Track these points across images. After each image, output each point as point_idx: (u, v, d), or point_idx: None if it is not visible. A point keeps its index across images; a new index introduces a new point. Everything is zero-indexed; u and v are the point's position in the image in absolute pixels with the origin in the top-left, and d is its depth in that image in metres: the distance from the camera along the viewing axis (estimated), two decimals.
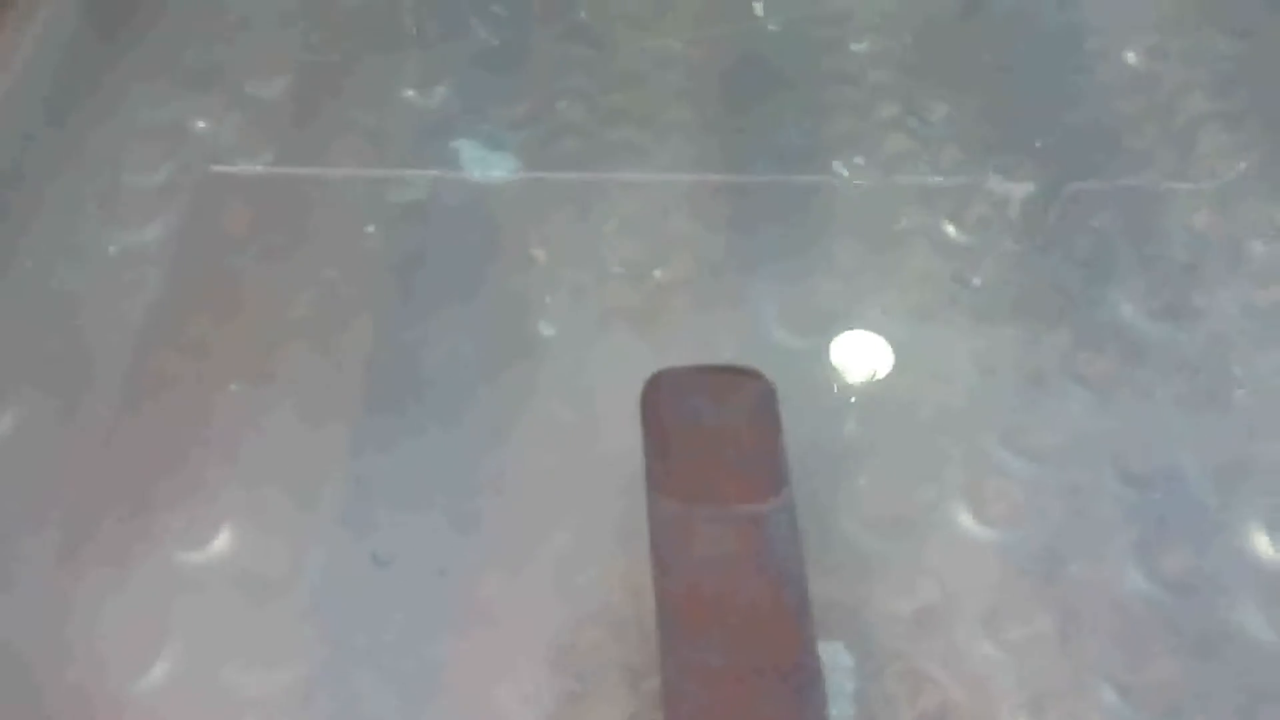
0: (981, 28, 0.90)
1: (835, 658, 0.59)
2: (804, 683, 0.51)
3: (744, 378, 0.59)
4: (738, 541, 0.54)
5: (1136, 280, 0.75)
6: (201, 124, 0.82)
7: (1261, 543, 0.64)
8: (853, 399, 0.69)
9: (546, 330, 0.72)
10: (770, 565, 0.53)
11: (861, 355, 0.71)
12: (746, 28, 0.89)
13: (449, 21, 0.90)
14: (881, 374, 0.71)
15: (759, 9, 0.90)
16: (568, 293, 0.73)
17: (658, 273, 0.75)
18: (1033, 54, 0.89)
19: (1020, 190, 0.79)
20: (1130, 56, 0.89)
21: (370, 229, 0.77)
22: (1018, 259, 0.76)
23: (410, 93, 0.85)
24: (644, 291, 0.74)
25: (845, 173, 0.80)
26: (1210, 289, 0.74)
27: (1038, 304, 0.74)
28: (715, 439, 0.57)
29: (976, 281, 0.75)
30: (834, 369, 0.71)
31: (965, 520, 0.64)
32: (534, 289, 0.74)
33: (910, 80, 0.86)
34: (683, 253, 0.76)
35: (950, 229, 0.77)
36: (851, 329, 0.72)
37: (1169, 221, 0.78)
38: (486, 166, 0.80)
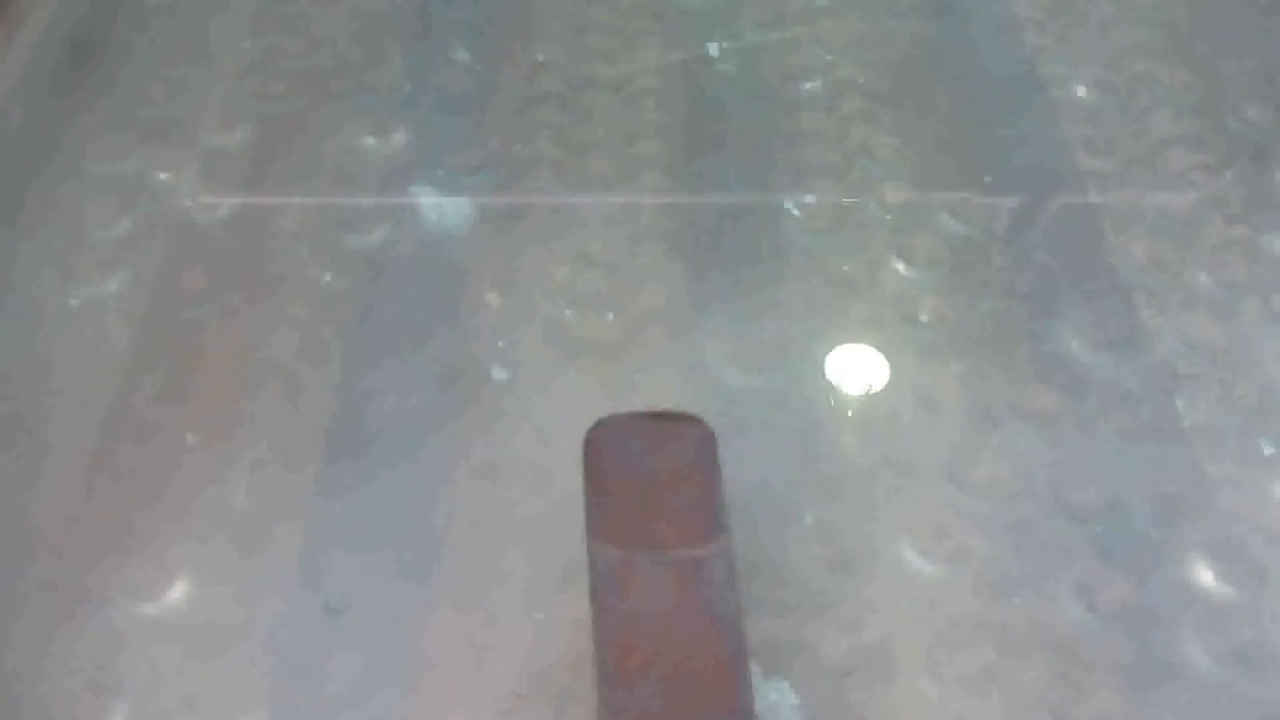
0: (932, 67, 0.92)
1: (782, 696, 0.60)
2: None
3: (684, 424, 0.60)
4: (676, 587, 0.55)
5: (1081, 314, 0.76)
6: (162, 175, 0.84)
7: (1202, 574, 0.65)
8: (800, 437, 0.70)
9: (499, 374, 0.73)
10: (708, 610, 0.54)
11: (809, 394, 0.72)
12: (701, 70, 0.91)
13: (408, 68, 0.91)
14: (829, 412, 0.72)
15: (713, 50, 0.92)
16: (521, 336, 0.75)
17: (610, 315, 0.76)
18: (983, 92, 0.90)
19: (968, 227, 0.81)
20: (1080, 90, 0.90)
21: (328, 277, 0.78)
22: (965, 295, 0.77)
23: (369, 140, 0.86)
24: (596, 334, 0.75)
25: (796, 212, 0.81)
26: (1155, 322, 0.76)
27: (984, 339, 0.75)
28: (655, 485, 0.58)
29: (924, 318, 0.76)
30: (782, 408, 0.72)
31: (910, 557, 0.65)
32: (487, 333, 0.75)
33: (860, 119, 0.87)
34: (634, 295, 0.77)
35: (899, 266, 0.79)
36: (800, 368, 0.73)
37: (1115, 255, 0.79)
38: (443, 212, 0.81)
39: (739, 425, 0.71)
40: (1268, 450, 0.69)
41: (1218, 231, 0.80)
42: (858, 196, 0.82)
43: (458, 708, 0.60)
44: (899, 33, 0.94)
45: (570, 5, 0.96)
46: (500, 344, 0.74)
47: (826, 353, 0.74)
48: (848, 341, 0.75)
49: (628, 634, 0.54)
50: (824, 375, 0.73)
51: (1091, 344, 0.74)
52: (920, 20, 0.95)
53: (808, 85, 0.90)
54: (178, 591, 0.64)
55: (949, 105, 0.89)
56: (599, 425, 0.60)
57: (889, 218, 0.81)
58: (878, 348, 0.74)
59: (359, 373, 0.73)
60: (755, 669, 0.61)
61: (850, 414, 0.72)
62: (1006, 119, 0.88)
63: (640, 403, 0.67)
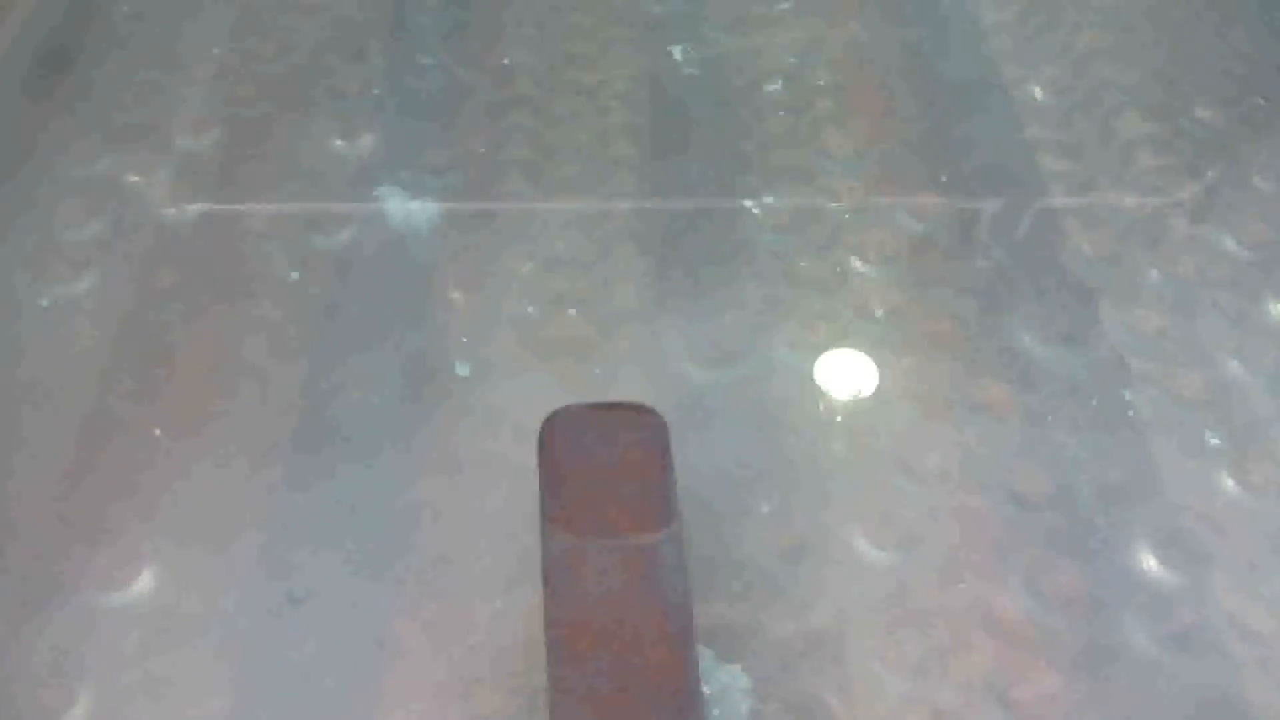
0: (893, 70, 0.93)
1: (733, 679, 0.61)
2: (685, 705, 0.53)
3: (637, 414, 0.62)
4: (626, 572, 0.56)
5: (1034, 309, 0.78)
6: (134, 178, 0.85)
7: (1147, 561, 0.66)
8: (758, 429, 0.72)
9: (462, 370, 0.74)
10: (657, 594, 0.56)
11: (767, 387, 0.74)
12: (665, 74, 0.92)
13: (378, 72, 0.93)
14: (786, 405, 0.73)
15: (677, 54, 0.94)
16: (484, 333, 0.76)
17: (572, 312, 0.77)
18: (941, 93, 0.92)
19: (925, 225, 0.82)
20: (1037, 92, 0.92)
21: (295, 275, 0.79)
22: (920, 291, 0.79)
23: (338, 142, 0.88)
24: (558, 330, 0.76)
25: (757, 211, 0.83)
26: (1105, 317, 0.77)
27: (937, 334, 0.76)
28: (608, 474, 0.59)
29: (879, 313, 0.77)
30: (740, 401, 0.73)
31: (862, 545, 0.67)
32: (451, 330, 0.76)
33: (820, 120, 0.89)
34: (596, 293, 0.78)
35: (857, 263, 0.80)
36: (758, 362, 0.75)
37: (1068, 253, 0.81)
38: (409, 212, 0.83)
39: (698, 418, 0.73)
40: (1213, 441, 0.71)
41: (1169, 229, 0.82)
42: (817, 196, 0.84)
43: (416, 693, 0.61)
44: (861, 36, 0.96)
45: (538, 11, 0.97)
46: (464, 340, 0.76)
47: (784, 348, 0.76)
48: (805, 337, 0.76)
49: (578, 616, 0.55)
50: (781, 369, 0.75)
51: (1043, 338, 0.76)
52: (883, 24, 0.97)
53: (770, 88, 0.91)
54: (144, 581, 0.65)
55: (909, 107, 0.91)
56: (554, 416, 0.61)
57: (848, 217, 0.83)
58: (834, 343, 0.76)
59: (325, 369, 0.75)
60: (709, 653, 0.62)
61: (806, 407, 0.73)
62: (965, 121, 0.90)
63: (601, 396, 0.69)
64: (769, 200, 0.84)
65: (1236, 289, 0.79)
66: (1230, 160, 0.86)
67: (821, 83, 0.92)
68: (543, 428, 0.61)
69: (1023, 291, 0.79)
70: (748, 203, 0.84)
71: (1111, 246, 0.81)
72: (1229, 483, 0.69)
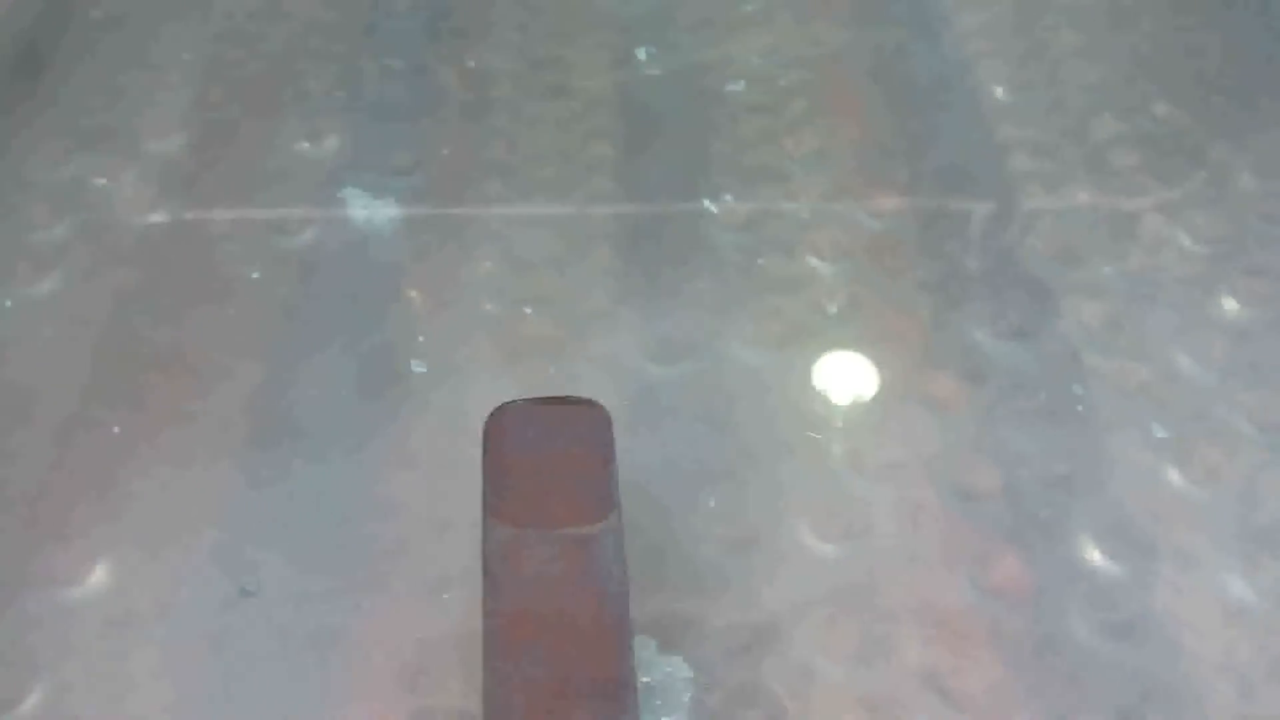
0: (857, 70, 0.94)
1: (675, 669, 0.62)
2: (618, 694, 0.53)
3: (582, 408, 0.62)
4: (564, 562, 0.57)
5: (987, 305, 0.78)
6: (100, 181, 0.86)
7: (1091, 553, 0.67)
8: (708, 425, 0.73)
9: (418, 368, 0.75)
10: (594, 584, 0.56)
11: (719, 383, 0.75)
12: (628, 75, 0.93)
13: (346, 75, 0.94)
14: (736, 400, 0.74)
15: (641, 54, 0.94)
16: (441, 331, 0.77)
17: (528, 309, 0.78)
18: (906, 94, 0.93)
19: (883, 223, 0.83)
20: (999, 91, 0.93)
21: (255, 275, 0.80)
22: (875, 288, 0.79)
23: (304, 144, 0.89)
24: (514, 328, 0.77)
25: (715, 210, 0.84)
26: (1058, 312, 0.78)
27: (890, 329, 0.77)
28: (550, 467, 0.60)
29: (833, 310, 0.78)
30: (692, 397, 0.74)
31: (808, 538, 0.67)
32: (408, 328, 0.77)
33: (782, 119, 0.90)
34: (552, 289, 0.79)
35: (813, 261, 0.81)
36: (710, 359, 0.76)
37: (1023, 249, 0.82)
38: (371, 212, 0.84)
39: (652, 413, 0.73)
40: (1160, 433, 0.71)
41: (1126, 227, 0.83)
42: (777, 196, 0.85)
43: (365, 685, 0.62)
44: (828, 37, 0.97)
45: (507, 13, 0.98)
46: (421, 339, 0.76)
47: (737, 344, 0.76)
48: (759, 333, 0.77)
49: (515, 605, 0.56)
50: (734, 365, 0.75)
51: (995, 333, 0.77)
52: (852, 26, 0.98)
53: (733, 88, 0.92)
54: (97, 576, 0.66)
55: (873, 108, 0.91)
56: (498, 411, 0.62)
57: (807, 216, 0.84)
58: (788, 339, 0.77)
59: (283, 368, 0.76)
60: (652, 643, 0.63)
61: (758, 402, 0.74)
62: (929, 121, 0.90)
63: (555, 393, 0.69)
64: (729, 200, 0.84)
65: (1191, 284, 0.80)
66: (1188, 158, 0.86)
67: (784, 83, 0.93)
68: (487, 422, 0.62)
69: (978, 288, 0.79)
70: (707, 203, 0.84)
71: (1068, 243, 0.82)
72: (1174, 475, 0.70)
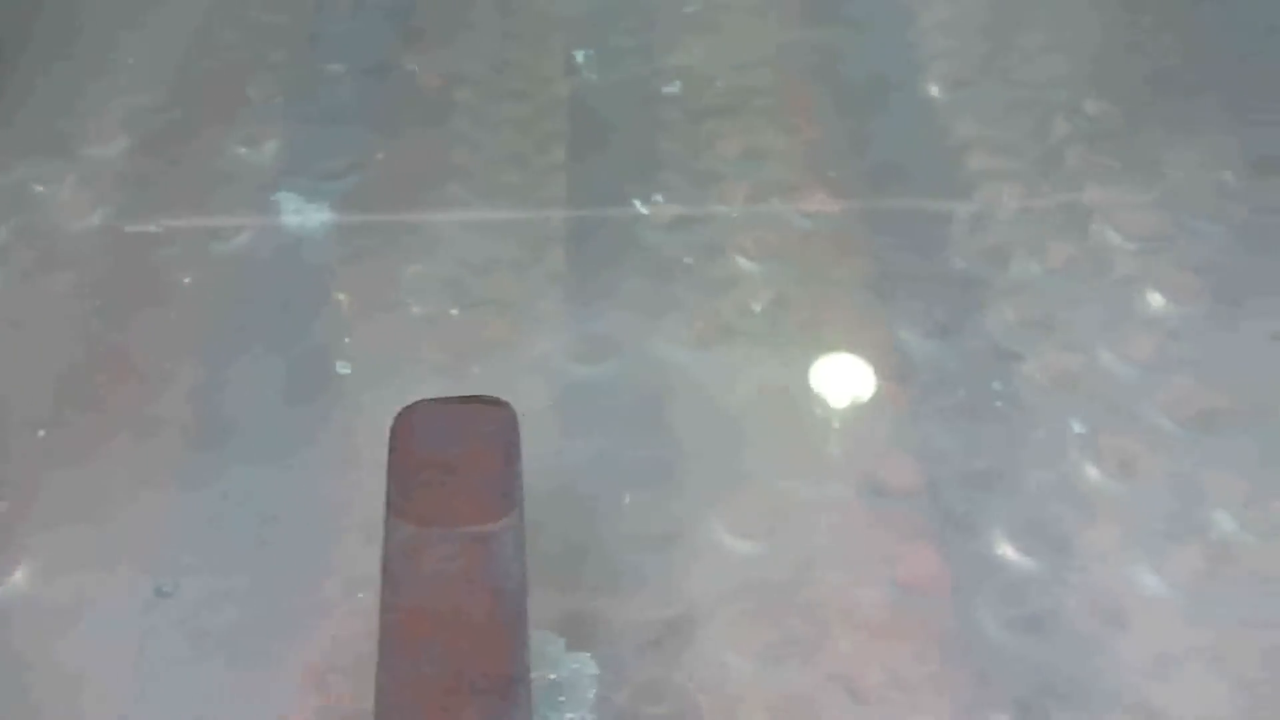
0: (793, 69, 0.95)
1: (582, 666, 0.62)
2: (510, 690, 0.54)
3: (488, 407, 0.63)
4: (463, 560, 0.57)
5: (913, 303, 0.79)
6: (40, 187, 0.87)
7: (1005, 548, 0.67)
8: (630, 424, 0.73)
9: (343, 369, 0.76)
10: (491, 582, 0.57)
11: (642, 383, 0.75)
12: (566, 76, 0.94)
13: (286, 80, 0.94)
14: (659, 399, 0.74)
15: (580, 57, 0.95)
16: (368, 333, 0.77)
17: (455, 311, 0.79)
18: (839, 93, 0.93)
19: (813, 223, 0.83)
20: (934, 90, 0.93)
21: (188, 280, 0.81)
22: (802, 286, 0.80)
23: (242, 150, 0.90)
24: (440, 329, 0.78)
25: (646, 211, 0.84)
26: (981, 309, 0.78)
27: (815, 328, 0.77)
28: (455, 466, 0.61)
29: (757, 308, 0.78)
30: (616, 396, 0.74)
31: (724, 536, 0.68)
32: (337, 331, 0.78)
33: (717, 121, 0.90)
34: (479, 289, 0.80)
35: (741, 260, 0.81)
36: (635, 359, 0.76)
37: (951, 247, 0.82)
38: (304, 217, 0.84)
39: (578, 414, 0.74)
40: (1078, 429, 0.72)
41: (1055, 224, 0.83)
42: (708, 197, 0.85)
43: (271, 683, 0.62)
44: (766, 37, 0.97)
45: (447, 20, 0.99)
46: (347, 341, 0.77)
47: (662, 343, 0.77)
48: (684, 333, 0.77)
49: (412, 602, 0.56)
50: (657, 365, 0.76)
51: (921, 332, 0.77)
52: (789, 27, 0.98)
53: (667, 90, 0.92)
54: (18, 576, 0.67)
55: (807, 107, 0.92)
56: (406, 410, 0.63)
57: (737, 216, 0.84)
58: (712, 338, 0.77)
59: (215, 371, 0.76)
60: (560, 641, 0.63)
61: (680, 400, 0.74)
62: (863, 121, 0.91)
63: (480, 394, 0.70)
64: (659, 201, 0.85)
65: (1117, 281, 0.80)
66: (1117, 155, 0.87)
67: (722, 85, 0.93)
68: (395, 422, 0.62)
69: (904, 286, 0.80)
70: (639, 204, 0.85)
71: (998, 241, 0.82)
72: (1091, 470, 0.70)
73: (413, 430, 0.62)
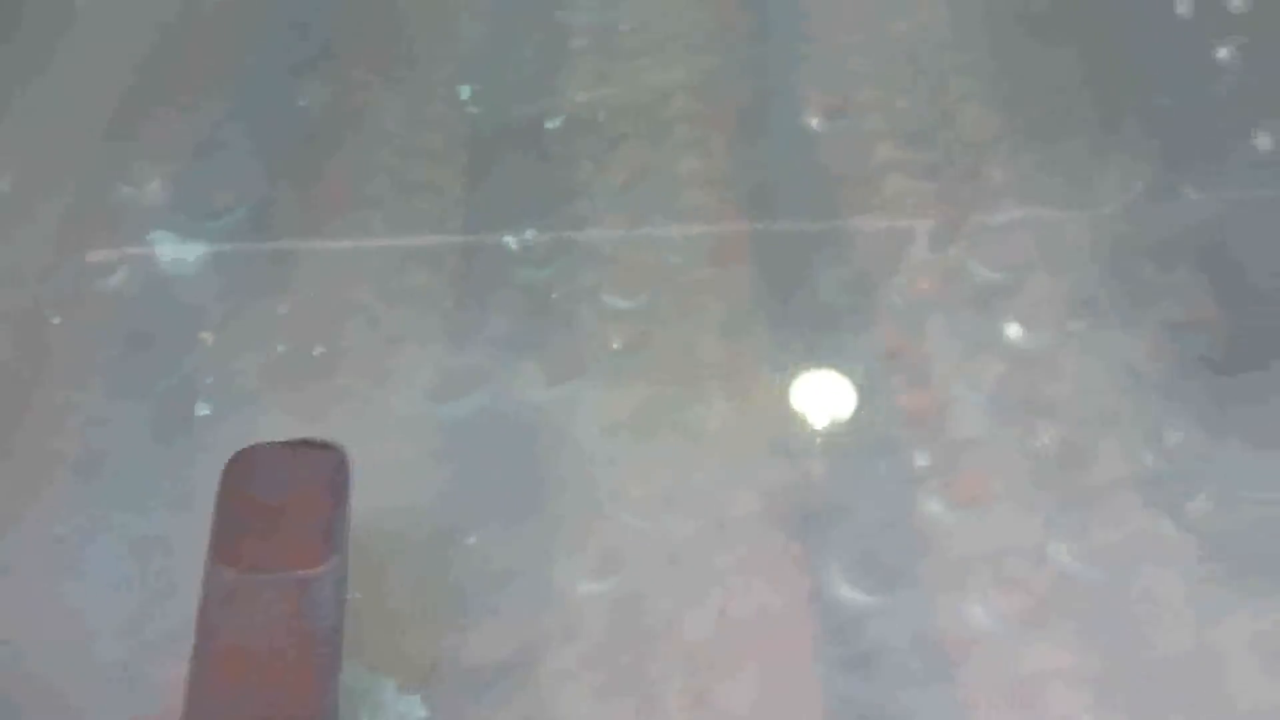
0: (674, 105, 0.95)
1: (410, 709, 0.63)
2: None
3: (319, 451, 0.64)
4: (281, 604, 0.58)
5: (774, 335, 0.79)
6: None
7: (839, 584, 0.68)
8: (483, 464, 0.74)
9: (202, 410, 0.76)
10: (306, 625, 0.58)
11: (497, 421, 0.76)
12: (450, 113, 0.95)
13: (173, 116, 0.95)
14: (513, 437, 0.75)
15: (464, 93, 0.96)
16: (230, 373, 0.78)
17: (319, 350, 0.79)
18: (722, 124, 0.94)
19: (679, 257, 0.84)
20: (813, 122, 0.94)
21: (57, 320, 0.82)
22: (662, 323, 0.80)
23: (126, 188, 0.90)
24: (303, 368, 0.78)
25: (514, 245, 0.85)
26: (842, 339, 0.79)
27: (674, 363, 0.78)
28: (281, 510, 0.61)
29: (616, 345, 0.79)
30: (470, 436, 0.75)
31: (565, 575, 0.69)
32: (199, 371, 0.78)
33: (592, 156, 0.91)
34: (346, 329, 0.81)
35: (605, 297, 0.82)
36: (492, 397, 0.77)
37: (818, 278, 0.83)
38: (178, 254, 0.85)
39: (429, 452, 0.75)
40: (920, 462, 0.72)
41: (917, 253, 0.84)
42: (579, 230, 0.86)
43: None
44: (650, 69, 0.98)
45: (336, 51, 1.00)
46: (209, 380, 0.78)
47: (522, 381, 0.78)
48: (542, 368, 0.78)
49: (225, 645, 0.57)
50: (517, 403, 0.77)
51: (775, 364, 0.78)
52: (673, 62, 0.99)
53: (550, 125, 0.93)
54: None
55: (686, 138, 0.92)
56: (237, 455, 0.63)
57: (607, 251, 0.85)
58: (570, 375, 0.78)
59: (83, 412, 0.77)
60: (390, 683, 0.64)
61: (533, 439, 0.75)
62: (736, 153, 0.91)
63: (336, 434, 0.71)
64: (529, 234, 0.86)
65: (975, 310, 0.81)
66: (979, 186, 0.87)
67: (603, 117, 0.94)
68: (225, 468, 0.63)
69: (767, 318, 0.80)
70: (510, 239, 0.86)
71: (859, 270, 0.83)
72: (932, 503, 0.71)
73: (240, 475, 0.63)
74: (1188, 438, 0.73)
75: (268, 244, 0.86)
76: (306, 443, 0.64)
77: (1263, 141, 0.88)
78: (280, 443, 0.64)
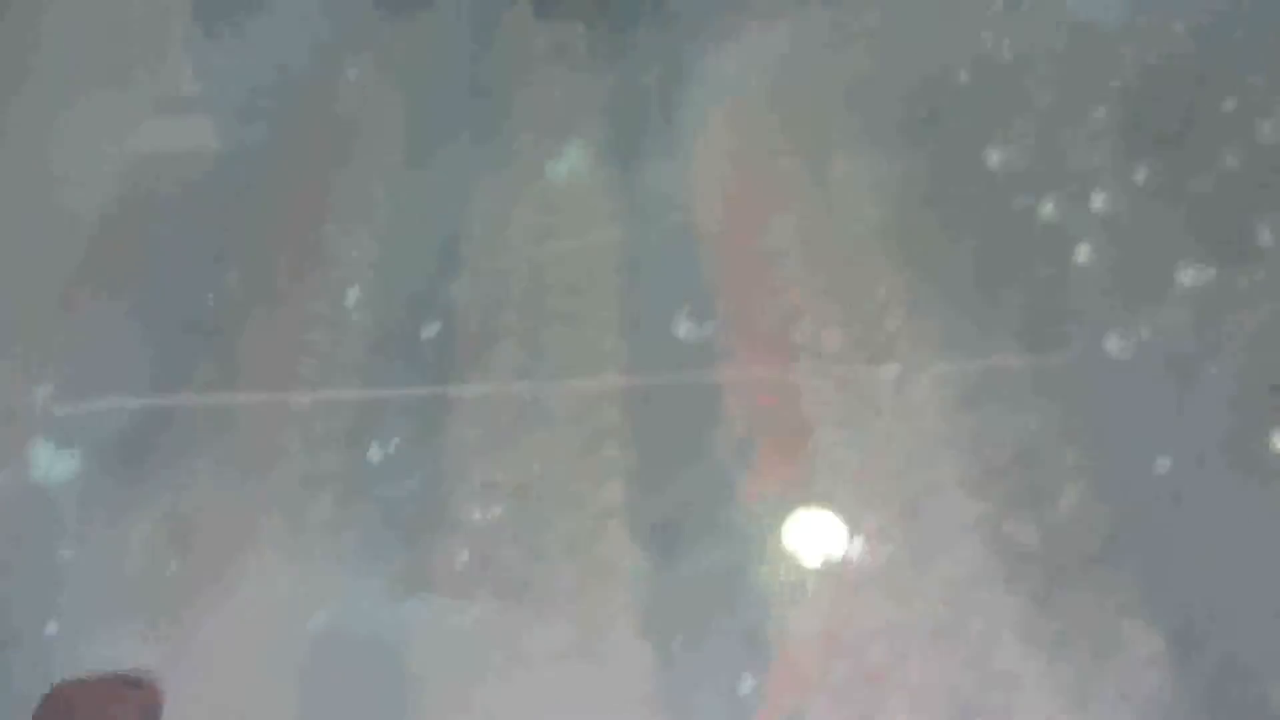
0: (549, 299, 0.97)
1: None
2: None
3: (133, 688, 0.64)
4: None
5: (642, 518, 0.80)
6: None
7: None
8: (321, 675, 0.74)
9: (51, 629, 0.77)
10: None
11: (344, 633, 0.76)
12: (336, 316, 0.97)
13: (54, 316, 0.98)
14: (356, 652, 0.76)
15: (350, 298, 0.98)
16: (81, 591, 0.79)
17: (173, 565, 0.80)
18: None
19: (536, 464, 0.86)
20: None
21: None
22: (516, 540, 0.81)
23: (13, 393, 0.93)
24: (154, 585, 0.80)
25: (376, 459, 0.87)
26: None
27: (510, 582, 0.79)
28: None
29: (464, 559, 0.80)
30: (317, 648, 0.76)
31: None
32: (51, 589, 0.80)
33: (461, 362, 0.93)
34: (200, 541, 0.82)
35: (464, 507, 0.83)
36: (341, 609, 0.78)
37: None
38: (52, 467, 0.87)
39: (273, 670, 0.75)
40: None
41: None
42: (447, 435, 0.88)
43: None
44: (518, 259, 1.00)
45: (233, 256, 1.03)
46: (60, 599, 0.79)
47: (368, 596, 0.78)
48: (392, 585, 0.79)
49: None
50: (359, 617, 0.77)
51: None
52: (533, 240, 1.01)
53: (425, 332, 0.96)
54: None
55: (555, 338, 0.95)
56: (49, 694, 0.64)
57: (467, 459, 0.86)
58: (418, 589, 0.79)
59: None
60: None
61: (375, 654, 0.75)
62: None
63: (173, 644, 0.72)
64: (395, 445, 0.87)
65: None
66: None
67: (474, 327, 0.96)
68: (37, 707, 0.64)
69: (642, 501, 0.81)
70: (376, 446, 0.87)
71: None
72: None
73: (54, 715, 0.63)
74: None
75: (136, 459, 0.87)
76: (118, 678, 0.65)
77: None
78: (92, 678, 0.65)
